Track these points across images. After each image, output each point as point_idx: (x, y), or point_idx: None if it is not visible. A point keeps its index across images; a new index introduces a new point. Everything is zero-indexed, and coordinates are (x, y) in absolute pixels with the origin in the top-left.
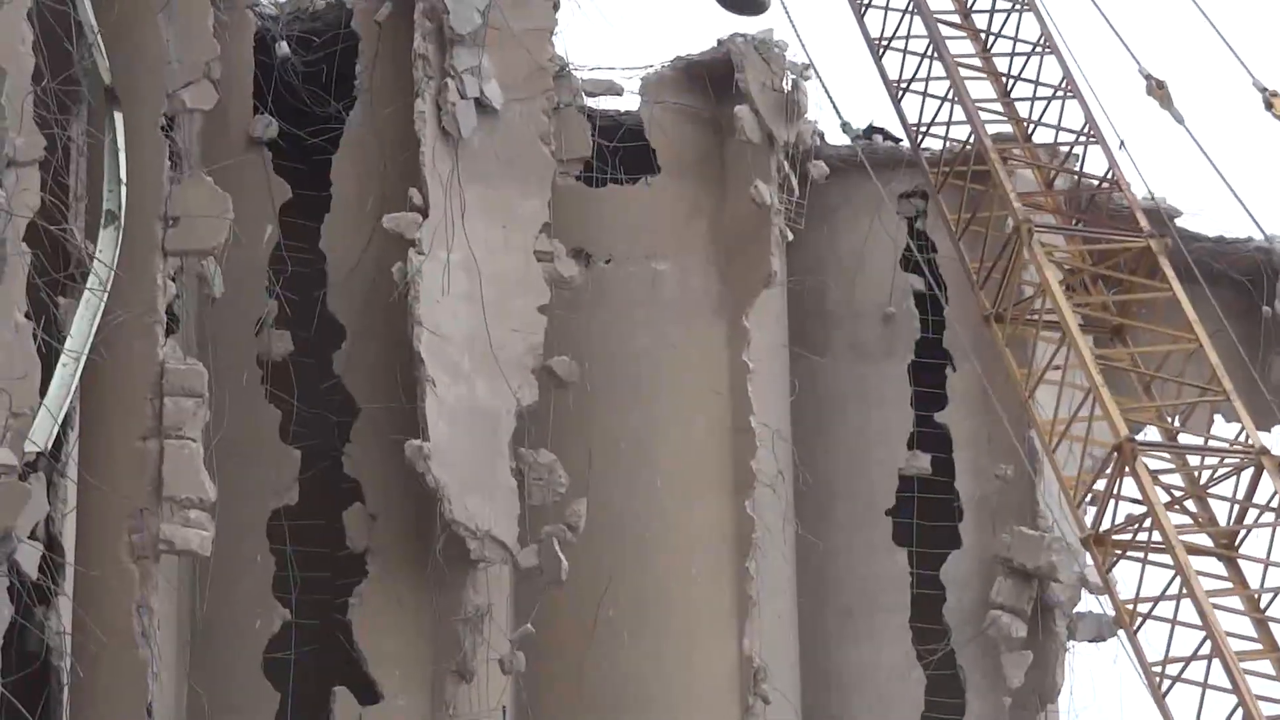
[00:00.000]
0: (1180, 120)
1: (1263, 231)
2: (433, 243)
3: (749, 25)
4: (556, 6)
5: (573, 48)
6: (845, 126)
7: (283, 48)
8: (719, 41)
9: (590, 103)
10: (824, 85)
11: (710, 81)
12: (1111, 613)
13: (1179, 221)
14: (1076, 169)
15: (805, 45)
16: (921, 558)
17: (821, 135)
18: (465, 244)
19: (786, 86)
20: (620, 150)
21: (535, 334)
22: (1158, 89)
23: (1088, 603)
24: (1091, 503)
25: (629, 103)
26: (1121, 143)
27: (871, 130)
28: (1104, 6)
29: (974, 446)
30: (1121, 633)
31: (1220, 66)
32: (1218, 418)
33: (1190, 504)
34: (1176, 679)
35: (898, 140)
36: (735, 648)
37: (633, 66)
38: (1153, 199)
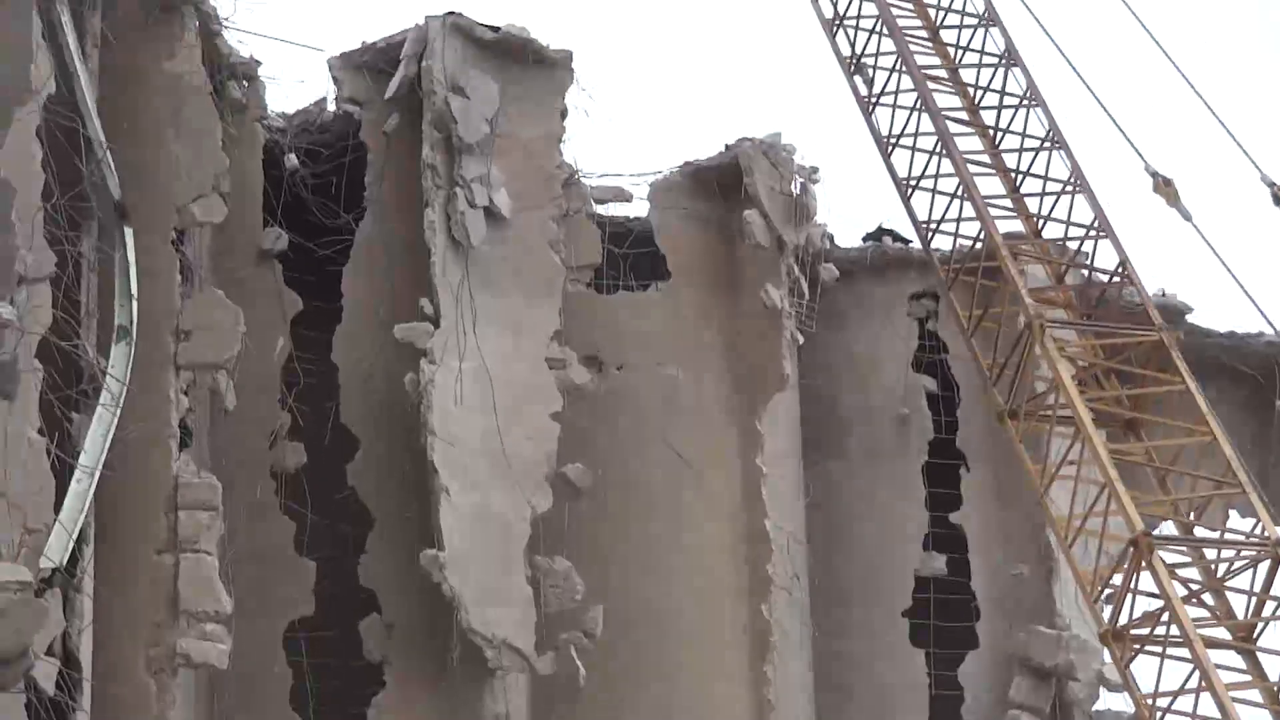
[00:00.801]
0: (1188, 217)
1: (1274, 327)
2: (444, 352)
3: (757, 129)
4: (564, 114)
5: (581, 155)
6: None
7: (291, 160)
8: (727, 146)
9: (599, 209)
10: None
11: (719, 186)
12: (1131, 709)
13: (1190, 318)
14: (1087, 264)
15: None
16: (939, 658)
17: (831, 238)
18: (477, 353)
19: (795, 190)
20: (630, 256)
21: (549, 441)
22: (1164, 186)
23: (1106, 700)
24: (1108, 598)
25: (638, 209)
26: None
27: (881, 232)
28: (1109, 104)
29: (989, 546)
30: None
31: (1227, 162)
32: (1233, 512)
33: (1207, 597)
34: None
35: (908, 241)
36: None
37: (642, 172)
38: (1164, 295)
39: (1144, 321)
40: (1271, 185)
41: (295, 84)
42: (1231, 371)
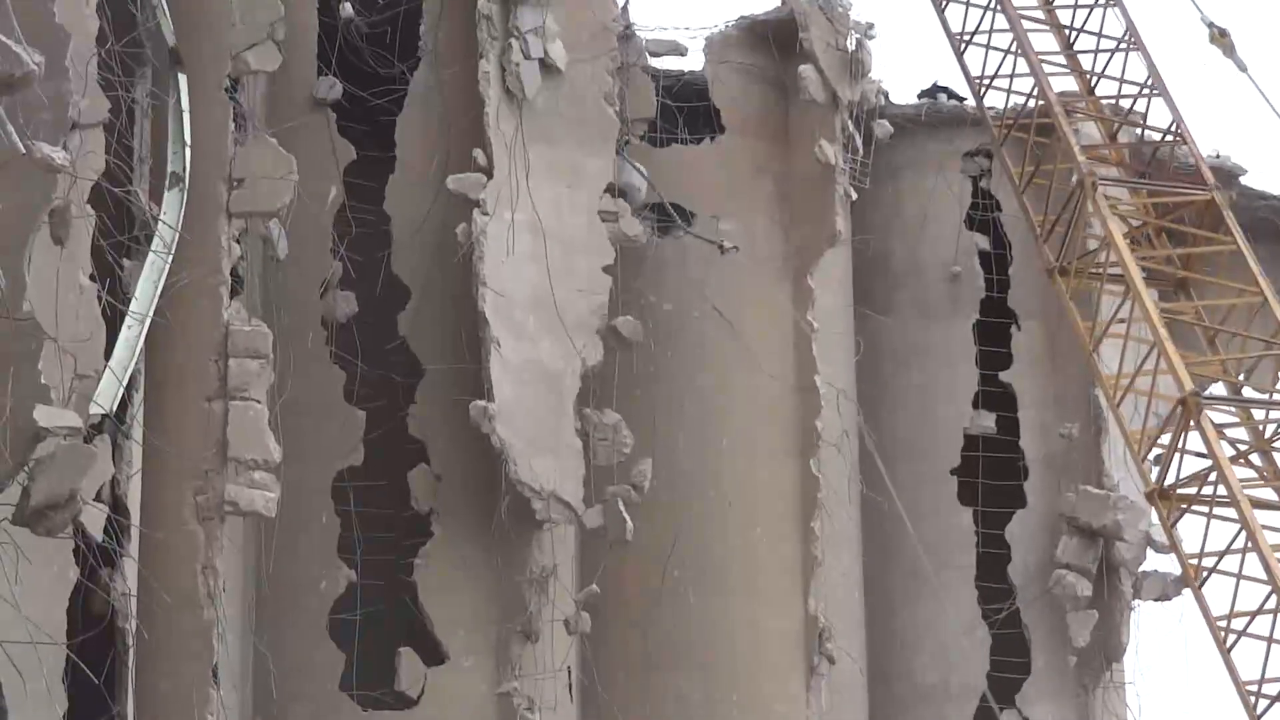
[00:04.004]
0: (1243, 68)
1: None
2: (497, 203)
3: None
4: None
5: (637, 7)
6: None
7: (347, 9)
8: (783, 1)
9: (654, 63)
10: None
11: (774, 41)
12: (1177, 571)
13: (1243, 180)
14: (1140, 122)
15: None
16: (986, 517)
17: (886, 94)
18: (530, 204)
19: (851, 45)
20: (685, 110)
21: (600, 294)
22: (1220, 37)
23: (1153, 561)
24: (1156, 459)
25: (693, 63)
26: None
27: (936, 89)
28: None
29: (1039, 405)
30: (1187, 589)
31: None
32: None
33: (1255, 458)
34: (1242, 633)
35: (962, 99)
36: (801, 607)
37: (697, 26)
38: (1218, 156)
39: (1197, 181)
40: None
41: None
42: None
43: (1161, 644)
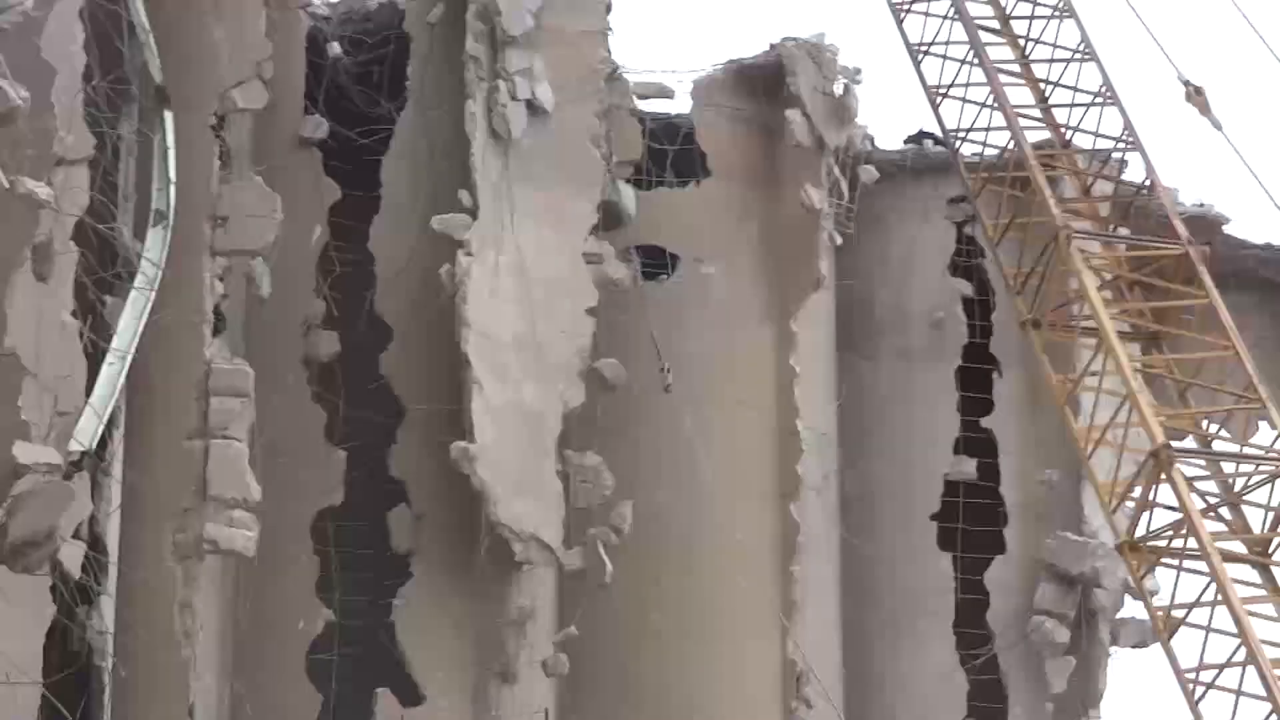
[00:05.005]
0: (1218, 127)
1: None
2: (481, 244)
3: (801, 29)
4: (609, 9)
5: (624, 50)
6: None
7: (334, 48)
8: (771, 45)
9: (641, 105)
10: None
11: (762, 85)
12: None
13: (1227, 228)
14: (1113, 176)
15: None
16: (966, 563)
17: (872, 139)
18: (514, 246)
19: (838, 90)
20: (671, 153)
21: (583, 336)
22: (1196, 95)
23: (1131, 608)
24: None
25: (680, 105)
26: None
27: (922, 135)
28: (1142, 13)
29: (1020, 451)
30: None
31: (1262, 71)
32: (1258, 426)
33: (1225, 511)
34: (1210, 685)
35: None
36: (779, 651)
37: (684, 69)
38: (1201, 205)
39: (1175, 234)
40: None
41: None
42: (1268, 282)
43: (1139, 691)
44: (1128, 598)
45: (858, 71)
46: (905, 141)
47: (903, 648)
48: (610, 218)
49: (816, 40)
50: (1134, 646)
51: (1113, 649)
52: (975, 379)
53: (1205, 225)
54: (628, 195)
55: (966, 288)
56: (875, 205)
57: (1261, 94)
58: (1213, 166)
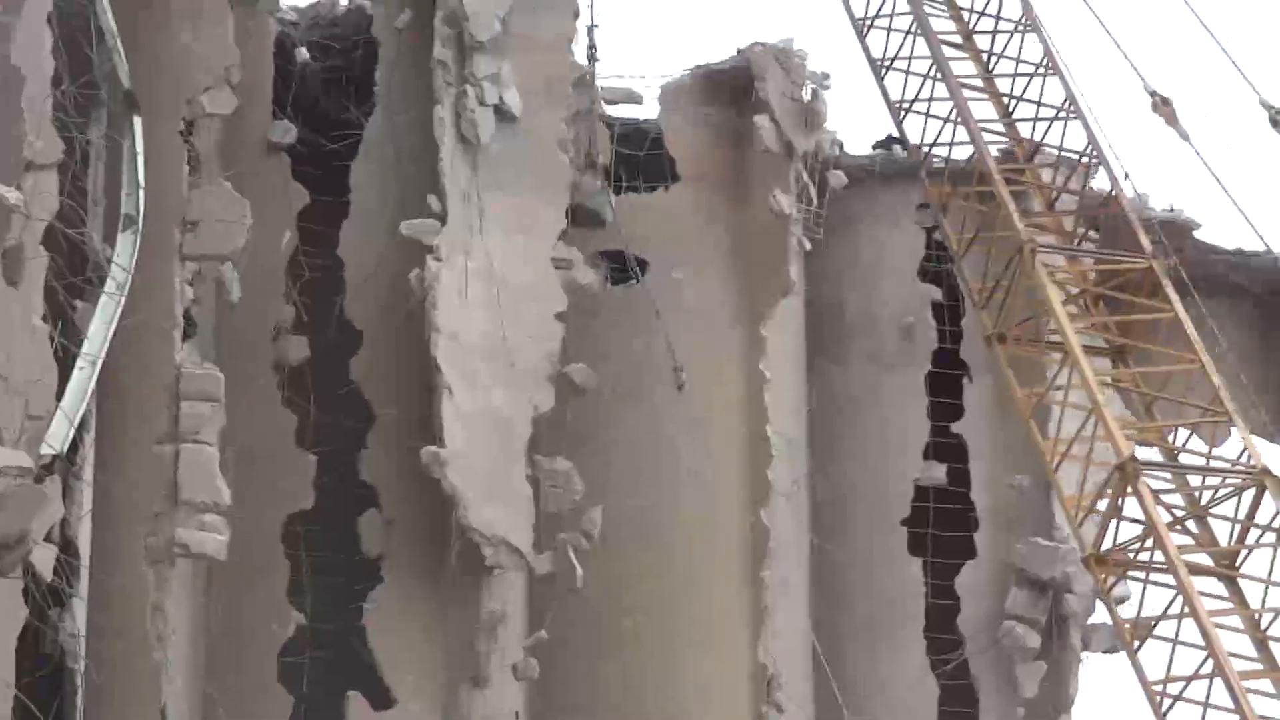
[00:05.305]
0: (1185, 137)
1: (1265, 243)
2: (450, 249)
3: (770, 34)
4: (576, 14)
5: (593, 56)
6: None
7: (303, 53)
8: (739, 50)
9: (610, 111)
10: None
11: (730, 90)
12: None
13: (1198, 234)
14: (1078, 190)
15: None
16: (936, 568)
17: (840, 145)
18: (483, 251)
19: (806, 96)
20: (639, 158)
21: (552, 341)
22: (1163, 105)
23: (1102, 614)
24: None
25: (649, 111)
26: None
27: (891, 140)
28: (1109, 23)
29: (990, 457)
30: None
31: (1226, 81)
32: (1224, 437)
33: (1191, 524)
34: (1178, 698)
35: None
36: (750, 656)
37: (653, 75)
38: (1171, 211)
39: (1140, 247)
40: (1270, 109)
41: None
42: (1238, 288)
43: (1110, 696)
44: (1099, 604)
45: (826, 77)
46: (874, 146)
47: (875, 652)
48: (592, 220)
49: (785, 45)
50: (1105, 652)
51: (1084, 654)
52: (945, 384)
53: (1176, 231)
54: (607, 200)
55: (936, 293)
56: (844, 210)
57: (1228, 102)
58: (1183, 172)
